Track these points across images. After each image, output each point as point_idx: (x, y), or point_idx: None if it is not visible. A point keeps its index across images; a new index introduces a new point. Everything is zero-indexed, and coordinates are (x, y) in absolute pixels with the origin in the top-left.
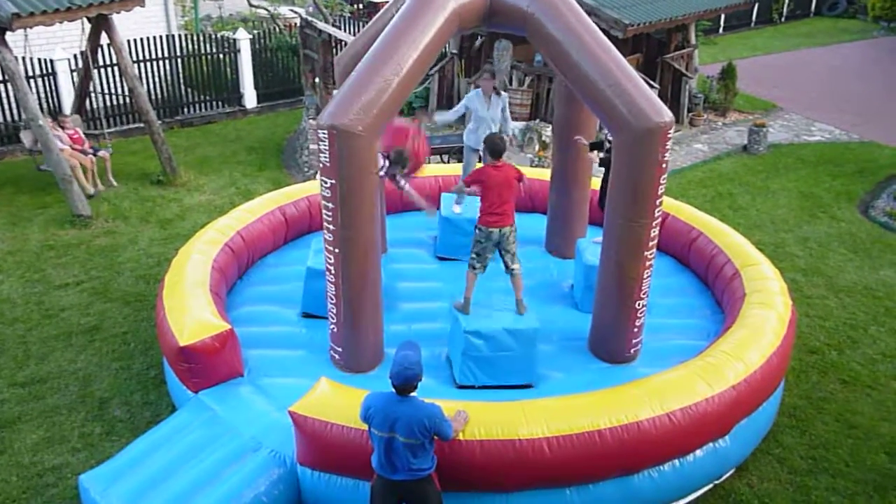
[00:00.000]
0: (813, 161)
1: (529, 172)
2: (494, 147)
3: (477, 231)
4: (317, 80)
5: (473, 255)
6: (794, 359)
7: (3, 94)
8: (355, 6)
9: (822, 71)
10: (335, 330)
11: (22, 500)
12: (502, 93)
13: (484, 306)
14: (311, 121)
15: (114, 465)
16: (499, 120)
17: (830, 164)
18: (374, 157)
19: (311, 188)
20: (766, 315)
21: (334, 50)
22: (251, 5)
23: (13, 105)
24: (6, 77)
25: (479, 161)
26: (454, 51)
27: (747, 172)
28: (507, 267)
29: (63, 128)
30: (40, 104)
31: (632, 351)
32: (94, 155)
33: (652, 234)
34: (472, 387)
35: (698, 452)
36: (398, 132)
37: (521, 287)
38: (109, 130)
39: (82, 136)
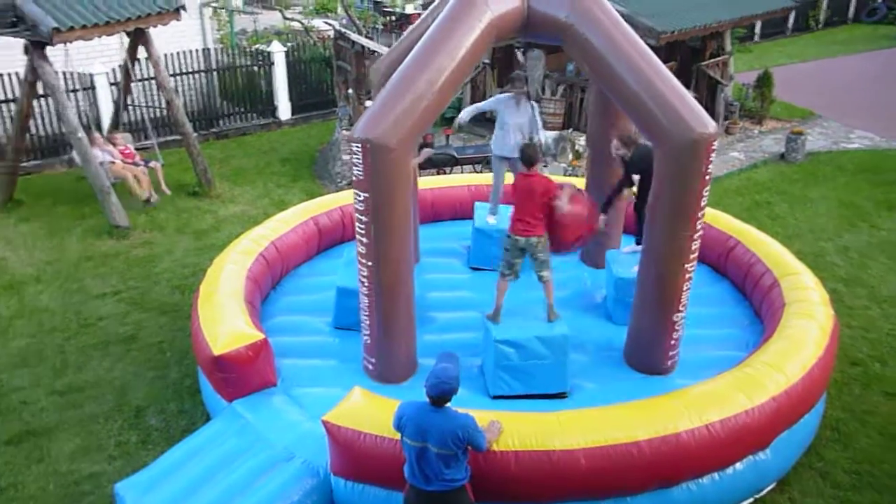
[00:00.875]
0: (852, 169)
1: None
2: (524, 155)
3: (505, 238)
4: (350, 91)
5: (503, 263)
6: (837, 371)
7: (45, 108)
8: (388, 18)
9: (861, 78)
10: (369, 341)
11: None
12: (533, 102)
13: (515, 315)
14: (343, 132)
15: (149, 474)
16: (527, 128)
17: (870, 172)
18: (408, 170)
19: (343, 198)
20: (807, 325)
21: (367, 61)
22: (285, 18)
23: (53, 119)
24: (47, 91)
25: (509, 169)
26: (487, 61)
27: (785, 181)
28: (537, 275)
29: (115, 144)
30: (79, 117)
31: (669, 362)
32: (146, 166)
33: (693, 247)
34: (507, 397)
35: (738, 466)
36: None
37: (551, 294)
38: (156, 141)
39: (133, 150)
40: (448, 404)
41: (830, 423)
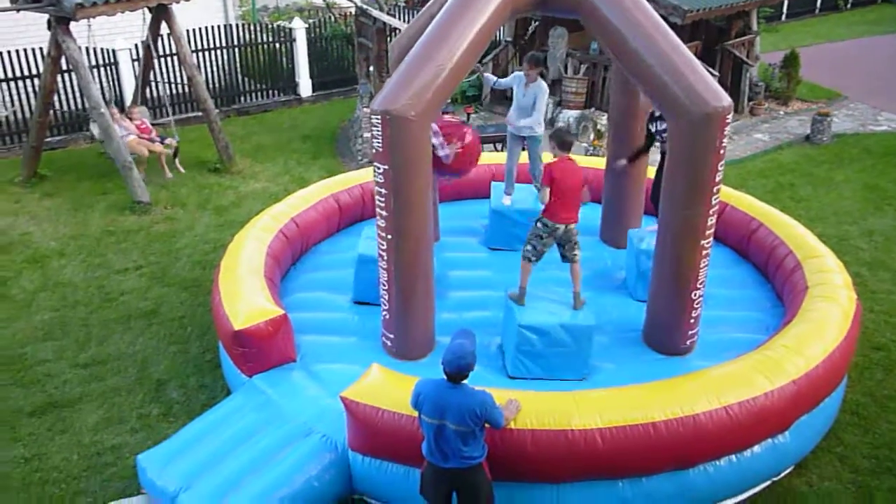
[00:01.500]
0: (879, 152)
1: (584, 161)
2: (561, 140)
3: (540, 224)
4: (371, 68)
5: (529, 248)
6: (858, 355)
7: (68, 84)
8: None
9: (890, 59)
10: (387, 317)
11: (82, 478)
12: (543, 84)
13: (540, 299)
14: (365, 109)
15: (170, 446)
16: (530, 109)
17: None
18: (427, 142)
19: (364, 176)
20: (829, 309)
21: (389, 38)
22: None
23: (77, 93)
24: (70, 66)
25: (523, 148)
26: (508, 39)
27: (810, 163)
28: (564, 258)
29: (131, 119)
30: (103, 93)
31: (688, 343)
32: (162, 143)
33: (709, 223)
34: (524, 378)
35: (756, 448)
36: (450, 129)
37: (579, 277)
38: (174, 118)
39: (149, 125)
40: (465, 381)
41: (851, 407)
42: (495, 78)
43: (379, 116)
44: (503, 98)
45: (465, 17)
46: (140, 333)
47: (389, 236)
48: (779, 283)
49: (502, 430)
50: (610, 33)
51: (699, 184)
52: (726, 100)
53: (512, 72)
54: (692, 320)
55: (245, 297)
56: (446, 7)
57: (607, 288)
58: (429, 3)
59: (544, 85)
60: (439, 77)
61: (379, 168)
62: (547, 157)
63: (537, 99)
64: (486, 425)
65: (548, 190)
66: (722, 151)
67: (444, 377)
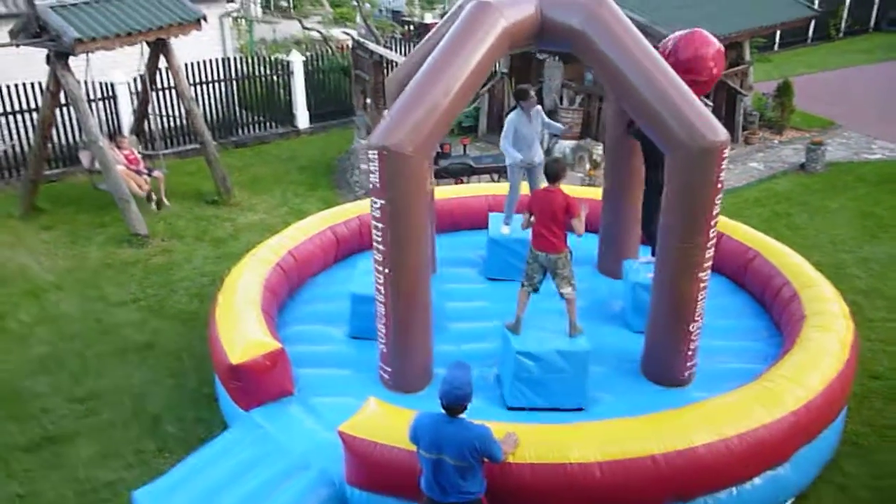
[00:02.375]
0: (874, 180)
1: (581, 192)
2: (548, 170)
3: (528, 250)
4: (368, 100)
5: (524, 274)
6: (857, 384)
7: (66, 117)
8: (406, 27)
9: (883, 88)
10: (384, 350)
11: None
12: (538, 107)
13: (536, 327)
14: (362, 141)
15: (166, 482)
16: (540, 133)
17: (892, 183)
18: (424, 177)
19: (361, 207)
20: (827, 338)
21: (386, 70)
22: (304, 28)
23: (75, 127)
24: (68, 100)
25: (525, 178)
26: (504, 70)
27: (805, 191)
28: (558, 292)
29: (120, 148)
30: (100, 126)
31: (686, 374)
32: (149, 175)
33: (707, 255)
34: (523, 409)
35: (756, 480)
36: None
37: (573, 312)
38: (165, 151)
39: (138, 156)
40: (463, 415)
41: (851, 437)
42: (507, 144)
43: (376, 151)
44: (500, 129)
45: (462, 52)
46: (136, 367)
47: (387, 270)
48: (776, 313)
49: (501, 464)
50: (607, 67)
51: (697, 217)
52: (723, 134)
53: (508, 106)
54: (690, 352)
55: (242, 331)
56: (443, 42)
57: (604, 319)
58: (426, 37)
59: (538, 107)
60: (436, 112)
61: (376, 202)
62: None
63: (543, 117)
64: (485, 460)
65: (527, 215)
66: (720, 185)
67: (442, 410)
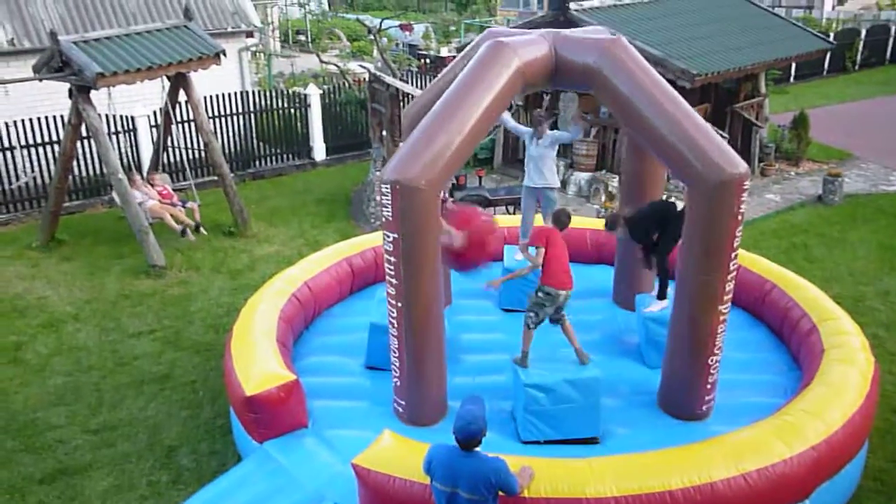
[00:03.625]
0: (892, 212)
1: (595, 224)
2: (557, 220)
3: (541, 294)
4: (384, 132)
5: (532, 315)
6: (879, 418)
7: (87, 150)
8: (422, 61)
9: None
10: (398, 383)
11: None
12: (548, 131)
13: (544, 360)
14: (378, 173)
15: None
16: (542, 161)
17: None
18: (437, 211)
19: (377, 239)
20: (847, 372)
21: (402, 103)
22: (322, 62)
23: (96, 160)
24: (90, 133)
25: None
26: (519, 103)
27: (822, 223)
28: (552, 320)
29: (153, 185)
30: (121, 159)
31: (704, 408)
32: (184, 207)
33: (727, 288)
34: (538, 442)
35: None
36: (463, 217)
37: (573, 333)
38: (194, 182)
39: (171, 191)
40: (478, 448)
41: (873, 473)
42: (510, 119)
43: (389, 185)
44: (515, 160)
45: (476, 91)
46: (152, 398)
47: (400, 304)
48: (794, 346)
49: (516, 499)
50: (623, 105)
51: (717, 249)
52: (742, 166)
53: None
54: (709, 385)
55: (257, 362)
56: (459, 79)
57: (620, 352)
58: (442, 72)
59: (555, 132)
60: (450, 148)
61: (388, 236)
62: None
63: (553, 136)
64: (501, 493)
65: (543, 251)
66: (740, 217)
67: (457, 444)
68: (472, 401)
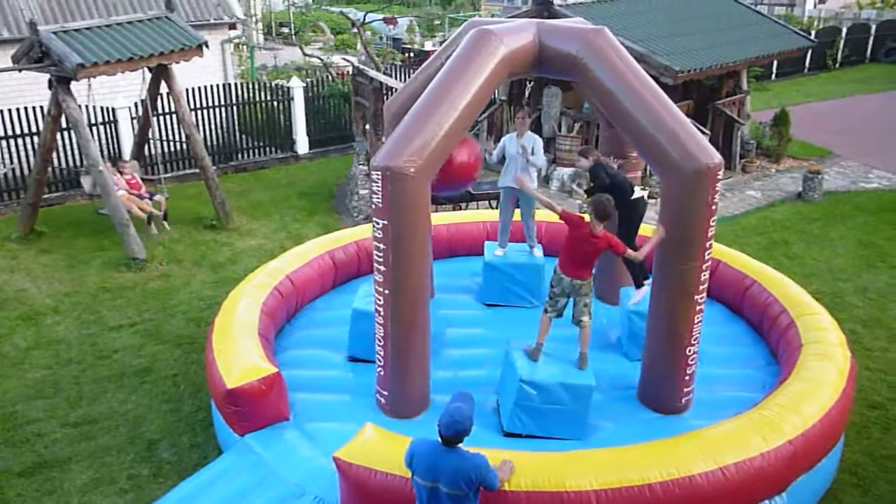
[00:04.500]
0: (872, 209)
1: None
2: (601, 209)
3: (553, 272)
4: (367, 126)
5: (548, 298)
6: (855, 413)
7: (67, 141)
8: (406, 55)
9: (879, 118)
10: (382, 373)
11: None
12: (534, 136)
13: (544, 356)
14: (361, 166)
15: None
16: (520, 160)
17: (890, 212)
18: (427, 199)
19: (360, 233)
20: (825, 367)
21: (385, 97)
22: (305, 55)
23: (76, 151)
24: (70, 124)
25: (517, 204)
26: (503, 97)
27: (802, 220)
28: (574, 318)
29: (122, 173)
30: (101, 151)
31: (683, 401)
32: (151, 199)
33: (702, 278)
34: (519, 435)
35: None
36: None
37: (586, 343)
38: (166, 176)
39: (139, 181)
40: (460, 444)
41: (849, 467)
42: (494, 154)
43: (379, 172)
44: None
45: (465, 77)
46: (132, 392)
47: (387, 291)
48: (773, 341)
49: (496, 492)
50: (604, 94)
51: (692, 239)
52: (716, 156)
53: (506, 131)
54: (687, 377)
55: (239, 355)
56: (446, 67)
57: (602, 346)
58: (423, 65)
59: (535, 136)
60: (439, 135)
61: (378, 223)
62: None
63: (534, 145)
64: (481, 488)
65: (555, 206)
66: (714, 207)
67: (439, 439)
68: (462, 398)
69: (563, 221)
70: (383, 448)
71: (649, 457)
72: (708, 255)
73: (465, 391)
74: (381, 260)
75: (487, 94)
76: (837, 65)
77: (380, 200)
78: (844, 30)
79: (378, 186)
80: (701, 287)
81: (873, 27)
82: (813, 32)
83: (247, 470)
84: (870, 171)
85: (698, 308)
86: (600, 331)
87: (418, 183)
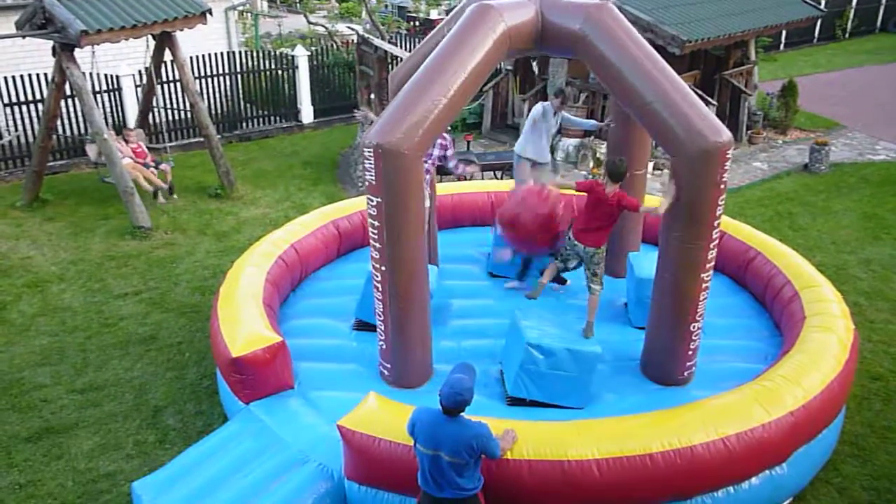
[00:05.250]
0: (877, 181)
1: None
2: (614, 170)
3: (566, 239)
4: (372, 95)
5: (558, 255)
6: (857, 385)
7: (71, 109)
8: (411, 23)
9: (888, 89)
10: (384, 346)
11: None
12: (563, 113)
13: (551, 323)
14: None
15: (165, 474)
16: (548, 135)
17: None
18: (420, 175)
19: (364, 203)
20: (827, 339)
21: (390, 66)
22: (309, 23)
23: (80, 119)
24: (74, 92)
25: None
26: (509, 67)
27: (808, 192)
28: (586, 282)
29: (127, 141)
30: (105, 119)
31: (685, 373)
32: (156, 168)
33: (709, 256)
34: (523, 401)
35: (754, 480)
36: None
37: (593, 311)
38: (171, 144)
39: (145, 149)
40: (462, 413)
41: (850, 438)
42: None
43: (371, 149)
44: (504, 126)
45: (461, 53)
46: (138, 359)
47: (383, 267)
48: (776, 313)
49: (499, 461)
50: (609, 70)
51: (699, 218)
52: (726, 135)
53: (512, 103)
54: (690, 351)
55: (243, 324)
56: (443, 42)
57: (606, 317)
58: (430, 34)
59: (563, 113)
60: (433, 112)
61: (372, 200)
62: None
63: (558, 120)
64: (483, 456)
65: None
66: (722, 186)
67: (441, 408)
68: (463, 369)
69: (580, 193)
70: (386, 417)
71: (651, 427)
72: (716, 234)
73: (466, 362)
74: (376, 236)
75: (486, 70)
76: (847, 35)
77: (373, 178)
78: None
79: (371, 164)
80: (707, 265)
81: None
82: (822, 2)
83: (252, 437)
84: (877, 143)
85: (704, 285)
86: (604, 302)
87: (411, 160)
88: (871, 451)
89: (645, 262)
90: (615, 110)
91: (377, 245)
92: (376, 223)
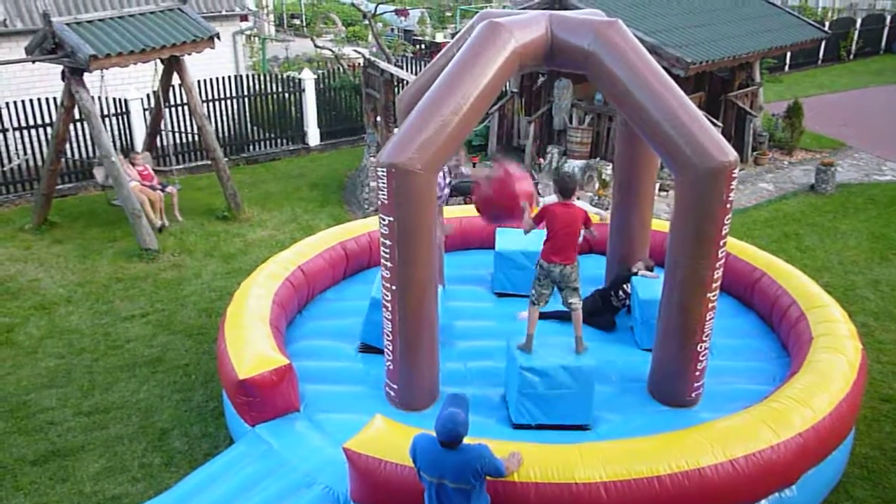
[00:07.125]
0: (884, 201)
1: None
2: (564, 186)
3: (538, 267)
4: (378, 118)
5: (533, 292)
6: (866, 406)
7: (80, 132)
8: (417, 46)
9: (893, 109)
10: (391, 367)
11: None
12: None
13: (542, 345)
14: (372, 158)
15: (171, 497)
16: None
17: None
18: (433, 195)
19: (371, 224)
20: (835, 360)
21: (396, 89)
22: (316, 46)
23: (89, 142)
24: (82, 115)
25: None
26: (514, 89)
27: (815, 212)
28: (565, 302)
29: (134, 164)
30: (114, 142)
31: (693, 395)
32: (163, 191)
33: (715, 276)
34: (529, 426)
35: (763, 502)
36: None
37: (580, 324)
38: (178, 167)
39: (152, 172)
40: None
41: (859, 460)
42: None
43: (385, 169)
44: (511, 148)
45: (473, 72)
46: (144, 381)
47: (394, 287)
48: (784, 333)
49: (505, 484)
50: (616, 88)
51: (705, 237)
52: (732, 154)
53: (518, 125)
54: (698, 372)
55: (250, 346)
56: (454, 61)
57: (611, 338)
58: (438, 56)
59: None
60: (446, 131)
61: (384, 219)
62: None
63: None
64: (488, 477)
65: (531, 221)
66: (729, 205)
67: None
68: (456, 402)
69: (543, 218)
70: (392, 439)
71: (659, 449)
72: (722, 253)
73: (457, 393)
74: (388, 255)
75: (497, 88)
76: (852, 56)
77: (385, 196)
78: (859, 21)
79: (384, 183)
80: (714, 285)
81: (888, 18)
82: (827, 23)
83: (258, 459)
84: (883, 164)
85: (711, 305)
86: None
87: (424, 179)
88: (881, 473)
89: (649, 284)
90: (621, 131)
91: (389, 264)
92: (388, 242)
